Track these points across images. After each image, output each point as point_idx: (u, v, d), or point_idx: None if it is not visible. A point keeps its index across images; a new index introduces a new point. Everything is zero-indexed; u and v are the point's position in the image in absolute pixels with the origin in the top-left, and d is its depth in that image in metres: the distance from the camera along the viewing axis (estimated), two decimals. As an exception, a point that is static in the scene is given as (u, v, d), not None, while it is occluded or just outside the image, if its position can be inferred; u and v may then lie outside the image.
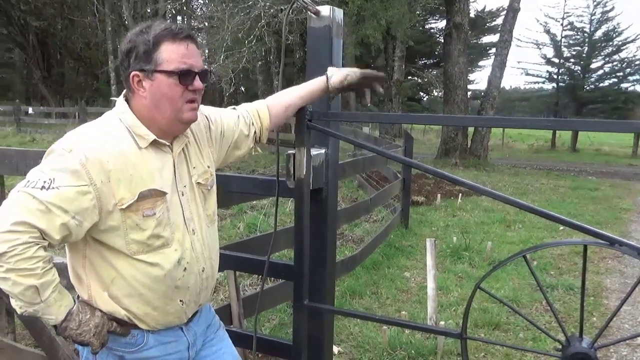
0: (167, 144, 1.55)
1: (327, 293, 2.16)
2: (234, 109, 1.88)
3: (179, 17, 35.48)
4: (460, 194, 9.59)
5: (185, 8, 29.17)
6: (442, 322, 3.88)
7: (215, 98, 33.25)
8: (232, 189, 2.55)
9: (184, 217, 1.57)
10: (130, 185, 1.43)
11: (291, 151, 1.88)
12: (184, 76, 1.47)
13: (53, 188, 1.33)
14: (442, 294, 4.65)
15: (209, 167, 1.69)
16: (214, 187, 1.72)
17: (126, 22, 28.00)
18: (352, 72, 1.83)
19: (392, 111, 24.35)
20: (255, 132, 1.86)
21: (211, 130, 1.75)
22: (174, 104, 1.48)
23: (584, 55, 28.06)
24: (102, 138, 1.45)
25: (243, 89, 32.88)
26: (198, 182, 1.63)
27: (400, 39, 22.68)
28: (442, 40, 23.92)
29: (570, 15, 29.36)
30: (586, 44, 28.26)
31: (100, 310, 1.49)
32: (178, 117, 1.51)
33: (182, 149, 1.61)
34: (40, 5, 30.20)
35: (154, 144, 1.51)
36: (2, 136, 14.94)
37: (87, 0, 28.44)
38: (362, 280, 4.96)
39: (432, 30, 36.38)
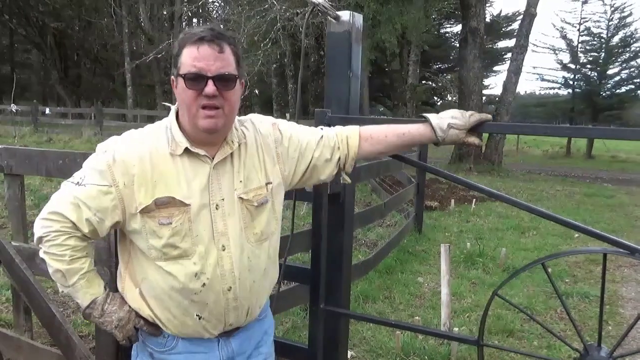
0: (203, 153, 1.48)
1: (343, 297, 2.17)
2: (321, 128, 1.76)
3: (194, 20, 35.74)
4: (474, 200, 9.54)
5: (201, 11, 29.38)
6: (455, 328, 3.87)
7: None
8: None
9: (212, 231, 1.48)
10: (153, 191, 1.44)
11: (309, 155, 1.89)
12: (192, 80, 1.41)
13: (83, 185, 1.44)
14: (455, 300, 4.63)
15: (268, 183, 1.58)
16: (268, 205, 1.58)
17: (143, 25, 28.27)
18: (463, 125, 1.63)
19: (406, 115, 24.30)
20: (339, 158, 1.71)
21: (282, 146, 1.65)
22: (189, 109, 1.44)
23: (601, 61, 27.79)
24: (138, 142, 1.49)
25: (257, 91, 32.99)
26: (240, 197, 1.52)
27: (415, 44, 22.66)
28: (457, 45, 23.87)
29: (587, 21, 28.97)
30: (603, 50, 27.98)
31: (130, 306, 1.55)
32: (195, 124, 1.44)
33: (230, 160, 1.53)
34: (59, 6, 30.58)
35: (189, 152, 1.48)
36: (19, 136, 15.08)
37: (105, 2, 28.70)
38: (375, 285, 4.95)
39: (447, 35, 36.30)
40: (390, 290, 4.90)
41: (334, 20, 1.94)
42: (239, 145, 1.55)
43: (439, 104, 41.79)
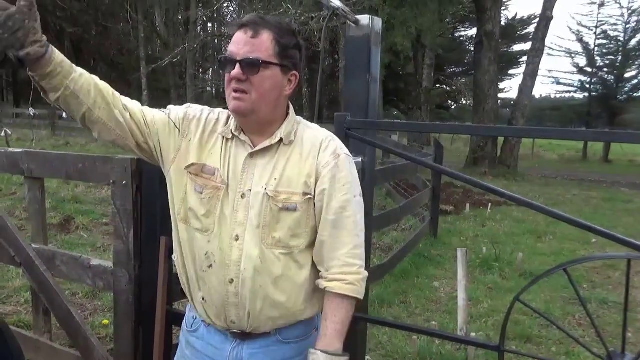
0: (243, 139, 1.50)
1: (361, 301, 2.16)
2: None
3: (209, 24, 35.98)
4: (490, 204, 9.48)
5: (216, 15, 29.57)
6: (472, 334, 3.84)
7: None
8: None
9: (231, 218, 1.47)
10: (206, 158, 1.50)
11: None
12: (222, 64, 1.45)
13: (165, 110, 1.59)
14: (472, 305, 4.59)
15: (305, 194, 1.47)
16: (295, 215, 1.46)
17: (158, 29, 28.54)
18: None
19: (421, 119, 24.24)
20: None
21: (324, 173, 1.49)
22: (226, 92, 1.47)
23: (618, 64, 27.57)
24: (220, 117, 1.56)
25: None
26: (267, 193, 1.45)
27: (429, 47, 22.62)
28: (472, 48, 23.74)
29: (604, 24, 28.78)
30: (620, 53, 27.75)
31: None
32: (229, 107, 1.47)
33: (273, 154, 1.49)
34: (76, 12, 30.93)
35: (237, 137, 1.51)
36: (37, 139, 15.28)
37: (121, 7, 29.00)
38: (390, 289, 4.93)
39: (461, 38, 36.21)
40: (406, 294, 4.88)
41: (353, 25, 1.94)
42: (291, 144, 1.51)
43: (453, 107, 41.67)
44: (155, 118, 1.53)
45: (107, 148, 14.66)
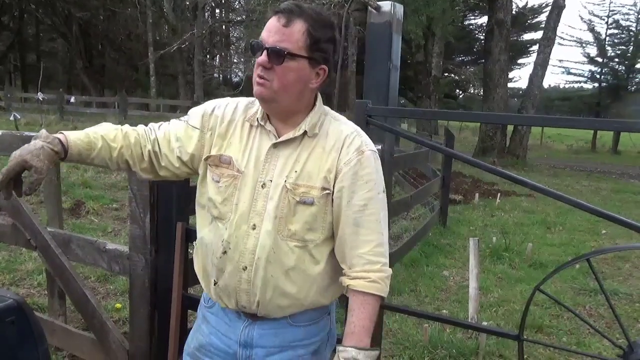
0: (269, 128, 1.49)
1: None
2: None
3: (217, 11, 35.80)
4: (499, 194, 9.45)
5: (224, 1, 29.42)
6: (483, 323, 3.84)
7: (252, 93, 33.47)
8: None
9: (250, 207, 1.47)
10: (225, 148, 1.52)
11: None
12: (252, 48, 1.44)
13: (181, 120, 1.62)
14: (481, 294, 4.59)
15: (324, 189, 1.46)
16: (312, 209, 1.46)
17: (166, 14, 28.42)
18: None
19: (429, 108, 24.12)
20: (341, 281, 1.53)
21: (346, 170, 1.47)
22: (253, 75, 1.46)
23: (629, 54, 27.31)
24: (238, 109, 1.57)
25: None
26: (285, 186, 1.45)
27: (439, 36, 22.46)
28: (481, 37, 23.55)
29: (615, 14, 28.43)
30: (632, 43, 27.49)
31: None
32: (253, 90, 1.46)
33: (297, 146, 1.48)
34: (84, -4, 30.88)
35: (260, 125, 1.51)
36: (46, 124, 15.28)
37: (129, -8, 28.89)
38: (400, 278, 4.93)
39: (471, 27, 35.91)
40: (416, 283, 4.88)
41: (374, 11, 1.92)
42: (315, 137, 1.49)
43: (461, 96, 41.46)
44: (179, 137, 1.56)
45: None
